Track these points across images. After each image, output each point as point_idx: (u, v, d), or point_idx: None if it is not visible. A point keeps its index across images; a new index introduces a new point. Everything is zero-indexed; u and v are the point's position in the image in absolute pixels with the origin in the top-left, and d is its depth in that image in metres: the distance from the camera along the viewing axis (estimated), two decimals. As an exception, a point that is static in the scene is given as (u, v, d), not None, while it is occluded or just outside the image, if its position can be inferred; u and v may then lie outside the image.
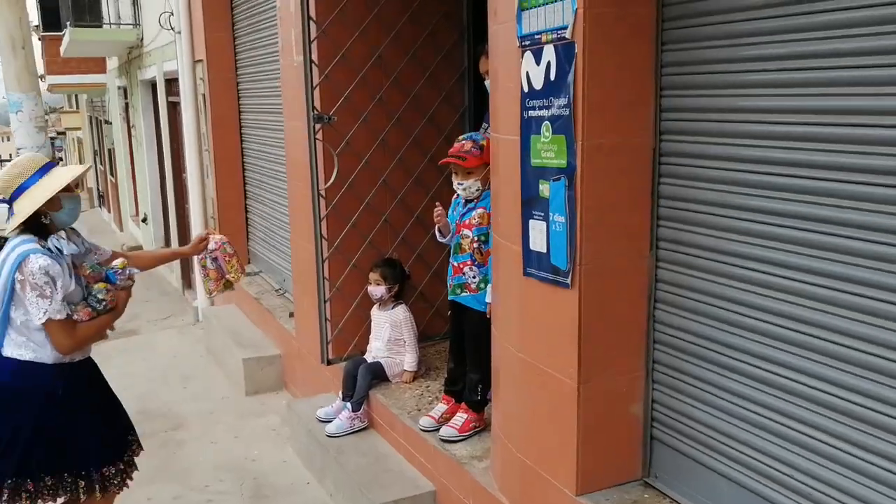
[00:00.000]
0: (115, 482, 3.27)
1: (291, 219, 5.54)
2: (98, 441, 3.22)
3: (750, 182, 2.33)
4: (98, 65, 16.28)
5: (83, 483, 3.15)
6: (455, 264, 3.84)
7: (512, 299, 3.01)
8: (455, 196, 3.91)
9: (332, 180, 4.65)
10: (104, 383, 3.39)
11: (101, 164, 21.35)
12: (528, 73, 2.72)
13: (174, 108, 10.11)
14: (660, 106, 2.61)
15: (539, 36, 2.63)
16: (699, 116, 2.49)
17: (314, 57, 4.49)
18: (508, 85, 2.89)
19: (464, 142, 3.72)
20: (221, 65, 7.44)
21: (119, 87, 14.65)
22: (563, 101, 2.55)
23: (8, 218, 3.12)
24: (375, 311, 4.67)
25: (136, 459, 3.44)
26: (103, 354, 7.96)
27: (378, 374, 4.52)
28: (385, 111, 4.84)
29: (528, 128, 2.74)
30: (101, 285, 3.19)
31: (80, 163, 29.91)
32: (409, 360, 4.55)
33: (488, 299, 3.54)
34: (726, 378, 2.50)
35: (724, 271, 2.46)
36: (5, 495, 3.06)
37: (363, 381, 4.43)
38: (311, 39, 4.46)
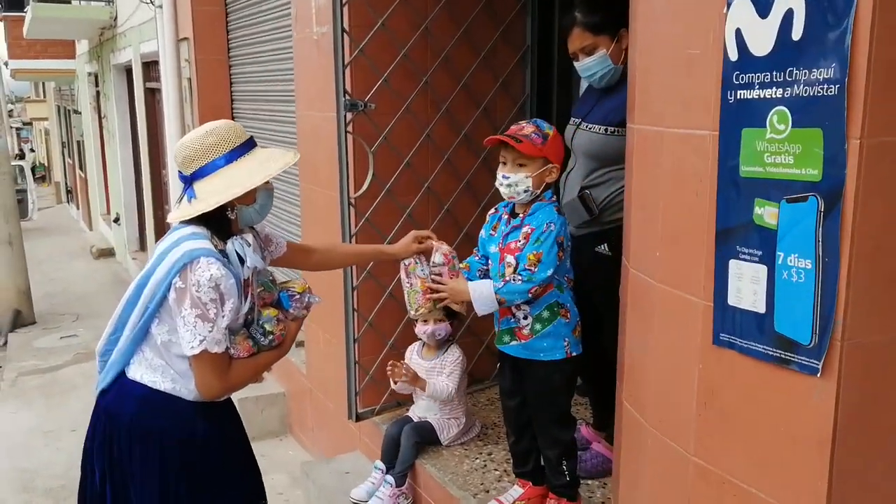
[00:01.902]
0: None
1: (305, 232, 4.51)
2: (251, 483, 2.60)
3: None
4: (66, 49, 15.08)
5: None
6: None
7: (680, 373, 2.03)
8: (492, 211, 2.92)
9: (366, 185, 3.65)
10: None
11: (70, 157, 20.09)
12: (739, 30, 1.74)
13: (153, 95, 9.05)
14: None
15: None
16: None
17: (346, 24, 3.48)
18: (680, 53, 1.92)
19: (524, 124, 2.75)
20: (211, 44, 6.39)
21: (89, 74, 13.50)
22: (822, 72, 1.57)
23: (181, 199, 2.34)
24: (416, 359, 3.65)
25: None
26: (66, 383, 7.05)
27: (427, 438, 3.52)
28: (432, 99, 3.84)
29: (737, 117, 1.76)
30: (271, 312, 2.41)
31: (48, 157, 28.65)
32: (438, 384, 3.50)
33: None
34: None
35: None
36: None
37: (409, 447, 3.43)
38: (344, 2, 3.45)
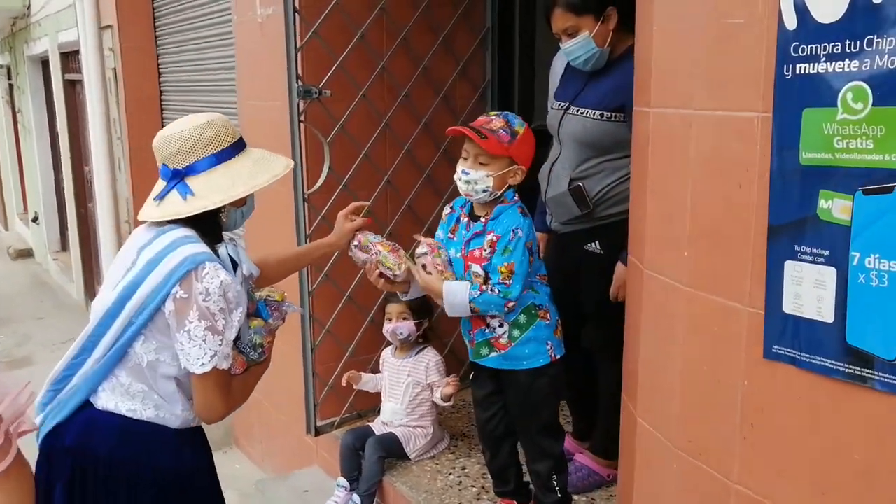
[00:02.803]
0: None
1: (249, 234, 4.15)
2: None
3: None
4: (-25, 41, 14.19)
5: None
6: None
7: (718, 389, 1.77)
8: (447, 210, 2.65)
9: (322, 179, 3.32)
10: None
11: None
12: (797, -5, 1.49)
13: (73, 87, 8.48)
14: None
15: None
16: None
17: (296, 3, 3.14)
18: (716, 23, 1.66)
19: (493, 118, 2.46)
20: (137, 32, 5.94)
21: (0, 66, 12.71)
22: (914, 40, 1.33)
23: (164, 194, 2.04)
24: (390, 359, 3.37)
25: None
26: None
27: (392, 451, 3.22)
28: (389, 85, 3.54)
29: (797, 95, 1.51)
30: (258, 322, 2.17)
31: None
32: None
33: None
34: None
35: None
36: None
37: (373, 462, 3.13)
38: (295, -21, 3.11)
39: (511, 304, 2.43)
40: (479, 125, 2.43)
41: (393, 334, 3.26)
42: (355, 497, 3.16)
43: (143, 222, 2.15)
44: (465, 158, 2.46)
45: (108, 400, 2.03)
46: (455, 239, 2.56)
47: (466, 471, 3.19)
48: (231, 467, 4.45)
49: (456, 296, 2.43)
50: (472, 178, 2.42)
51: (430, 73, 3.63)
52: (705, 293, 1.78)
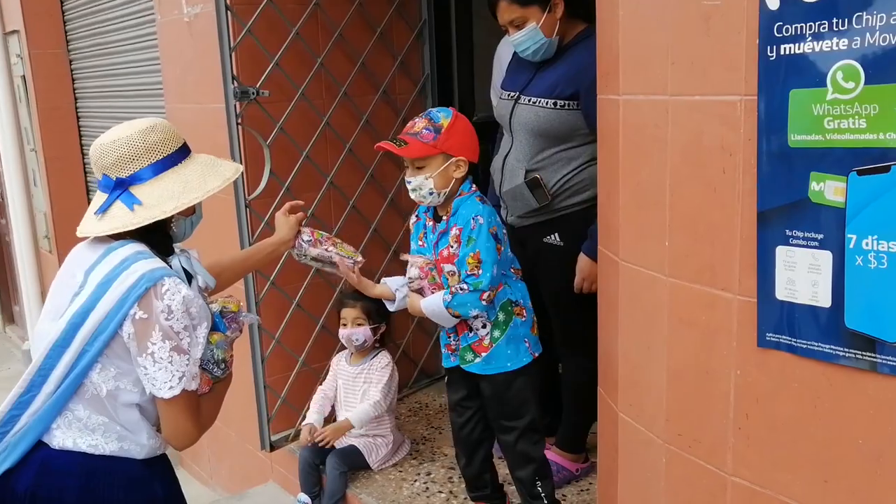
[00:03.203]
0: None
1: (189, 245, 3.96)
2: None
3: None
4: None
5: None
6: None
7: (708, 380, 1.74)
8: (413, 219, 2.60)
9: (263, 184, 3.19)
10: None
11: None
12: (779, -26, 1.45)
13: (-24, 98, 8.03)
14: None
15: None
16: None
17: (228, 0, 3.01)
18: (692, 6, 1.62)
19: (417, 120, 2.41)
20: (46, 36, 5.64)
21: None
22: (907, 16, 1.30)
23: (106, 207, 1.89)
24: (343, 366, 3.26)
25: None
26: None
27: (354, 463, 3.12)
28: (327, 83, 3.43)
29: (783, 77, 1.48)
30: (219, 336, 2.00)
31: None
32: (361, 411, 3.10)
33: None
34: None
35: None
36: None
37: (335, 478, 3.03)
38: (227, -25, 2.97)
39: (486, 295, 2.34)
40: (404, 132, 2.40)
41: (349, 340, 3.15)
42: None
43: (82, 239, 2.00)
44: (406, 167, 2.42)
45: (64, 438, 1.87)
46: (425, 246, 2.49)
47: (432, 476, 3.11)
48: (175, 489, 4.26)
49: (435, 308, 2.37)
50: (415, 185, 2.38)
51: (369, 69, 3.53)
52: (689, 283, 1.74)
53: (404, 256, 2.55)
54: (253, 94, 3.07)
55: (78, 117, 5.76)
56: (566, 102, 2.56)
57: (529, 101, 2.64)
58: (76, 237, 2.01)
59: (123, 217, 1.87)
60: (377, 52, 3.52)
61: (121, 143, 1.88)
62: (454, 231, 2.36)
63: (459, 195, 2.40)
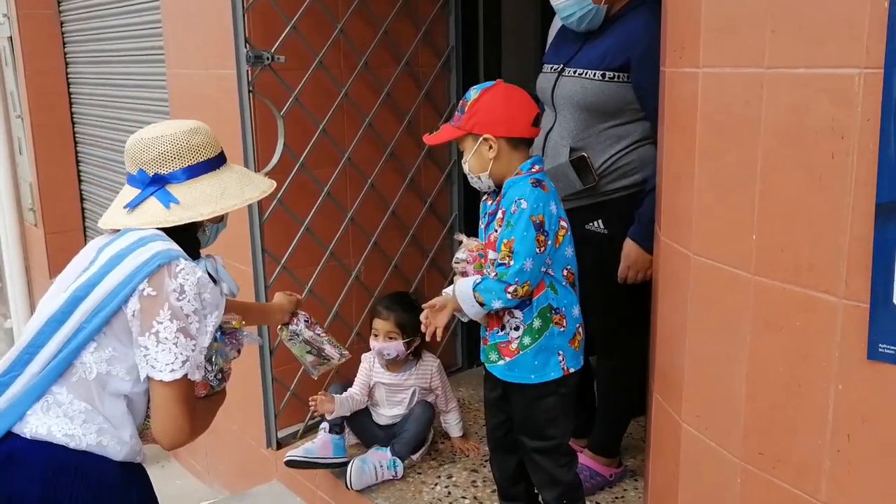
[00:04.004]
0: None
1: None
2: None
3: None
4: None
5: None
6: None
7: (801, 394, 1.53)
8: (484, 197, 2.35)
9: (276, 158, 2.96)
10: None
11: None
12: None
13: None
14: None
15: None
16: None
17: (243, -43, 2.76)
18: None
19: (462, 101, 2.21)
20: (35, -5, 5.35)
21: None
22: None
23: (138, 202, 1.82)
24: (384, 375, 3.03)
25: None
26: None
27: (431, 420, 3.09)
28: (346, 51, 3.19)
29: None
30: (220, 345, 1.92)
31: None
32: (454, 421, 3.12)
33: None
34: None
35: None
36: None
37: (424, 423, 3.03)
38: (241, -72, 2.72)
39: (512, 289, 2.08)
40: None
41: (380, 354, 2.96)
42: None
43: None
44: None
45: (38, 424, 1.68)
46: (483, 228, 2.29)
47: (454, 479, 2.89)
48: (171, 484, 4.03)
49: (464, 288, 2.15)
50: (466, 170, 2.24)
51: (391, 38, 3.29)
52: (781, 283, 1.53)
53: (459, 236, 2.34)
54: (268, 59, 2.82)
55: (69, 83, 5.47)
56: (616, 74, 2.33)
57: (575, 72, 2.42)
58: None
59: (158, 213, 1.82)
60: (400, 20, 3.28)
61: (165, 140, 1.83)
62: (500, 214, 2.14)
63: (517, 174, 2.16)
